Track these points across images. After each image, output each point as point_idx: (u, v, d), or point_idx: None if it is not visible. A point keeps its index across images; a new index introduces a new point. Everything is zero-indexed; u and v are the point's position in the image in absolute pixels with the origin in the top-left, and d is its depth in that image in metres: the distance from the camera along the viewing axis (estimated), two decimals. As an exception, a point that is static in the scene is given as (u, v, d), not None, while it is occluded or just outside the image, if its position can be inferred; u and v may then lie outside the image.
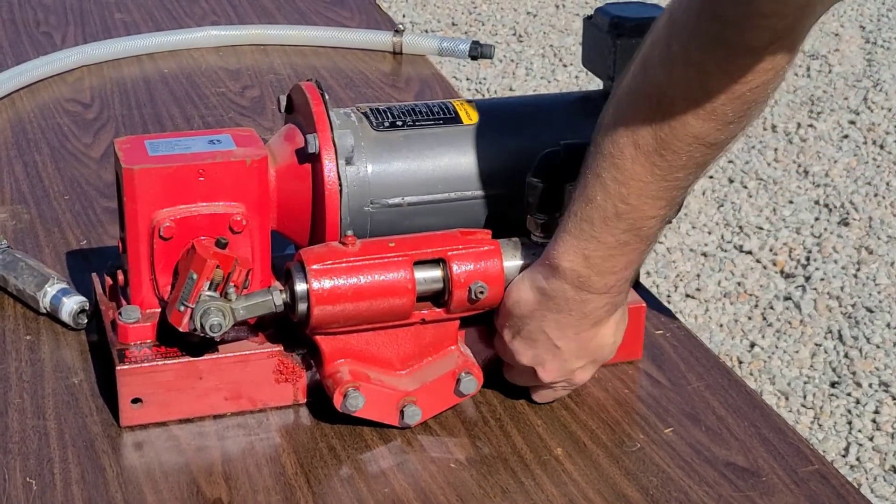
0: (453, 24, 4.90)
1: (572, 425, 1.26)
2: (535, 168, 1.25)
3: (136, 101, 1.99)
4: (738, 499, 1.16)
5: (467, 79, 4.40)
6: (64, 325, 1.38)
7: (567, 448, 1.23)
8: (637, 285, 1.46)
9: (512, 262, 1.24)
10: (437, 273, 1.23)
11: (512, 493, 1.17)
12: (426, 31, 4.77)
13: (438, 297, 1.24)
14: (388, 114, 1.32)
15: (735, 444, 1.24)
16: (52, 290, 1.38)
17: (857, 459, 2.61)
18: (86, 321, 1.37)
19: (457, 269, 1.22)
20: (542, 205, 1.24)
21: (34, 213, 1.64)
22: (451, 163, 1.31)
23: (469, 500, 1.16)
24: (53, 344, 1.36)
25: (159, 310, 1.26)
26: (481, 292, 1.22)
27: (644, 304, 1.35)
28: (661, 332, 1.42)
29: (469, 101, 1.35)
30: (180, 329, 1.20)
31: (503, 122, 1.33)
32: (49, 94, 2.01)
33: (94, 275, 1.38)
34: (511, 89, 4.33)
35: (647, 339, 1.37)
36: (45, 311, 1.39)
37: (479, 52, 2.14)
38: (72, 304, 1.37)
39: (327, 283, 1.19)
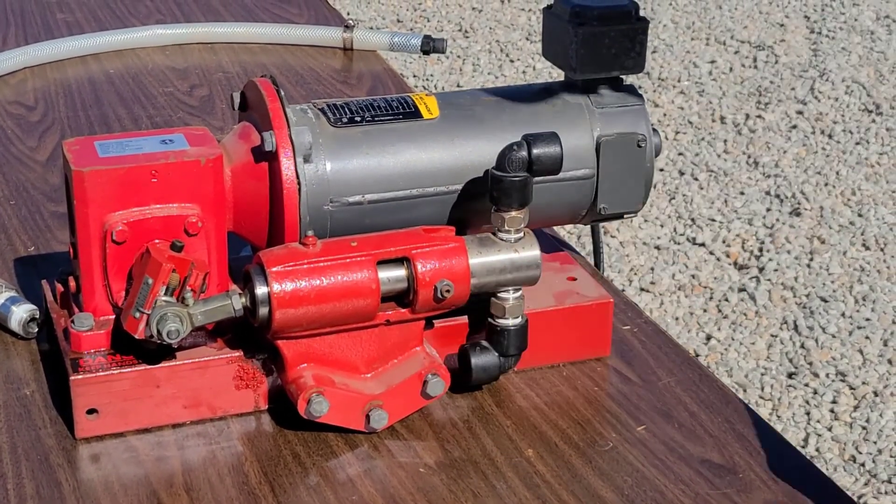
0: (398, 21, 4.87)
1: (542, 425, 1.23)
2: (498, 161, 1.22)
3: (81, 102, 1.94)
4: (715, 497, 1.14)
5: (414, 76, 4.36)
6: (13, 334, 1.33)
7: (538, 449, 1.20)
8: (602, 280, 1.43)
9: (478, 258, 1.21)
10: (401, 272, 1.19)
11: (483, 496, 1.14)
12: (371, 29, 4.73)
13: (403, 297, 1.20)
14: (346, 109, 1.28)
15: (709, 441, 1.21)
16: (0, 298, 1.34)
17: (817, 450, 2.60)
18: (36, 330, 1.33)
19: (421, 267, 1.18)
20: (507, 199, 1.21)
21: (-21, 219, 1.59)
22: (413, 159, 1.27)
23: (440, 505, 1.12)
24: (3, 354, 1.31)
25: (113, 317, 1.21)
26: (447, 291, 1.19)
27: (612, 300, 1.33)
28: (627, 327, 1.39)
29: (428, 95, 1.32)
30: (136, 336, 1.16)
31: (464, 116, 1.30)
32: (-9, 96, 1.96)
33: (43, 282, 1.33)
34: (458, 85, 4.30)
35: (614, 335, 1.35)
36: (-7, 320, 1.34)
37: (431, 46, 2.11)
38: (21, 313, 1.32)
39: (289, 286, 1.15)
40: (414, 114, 1.29)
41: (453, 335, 1.27)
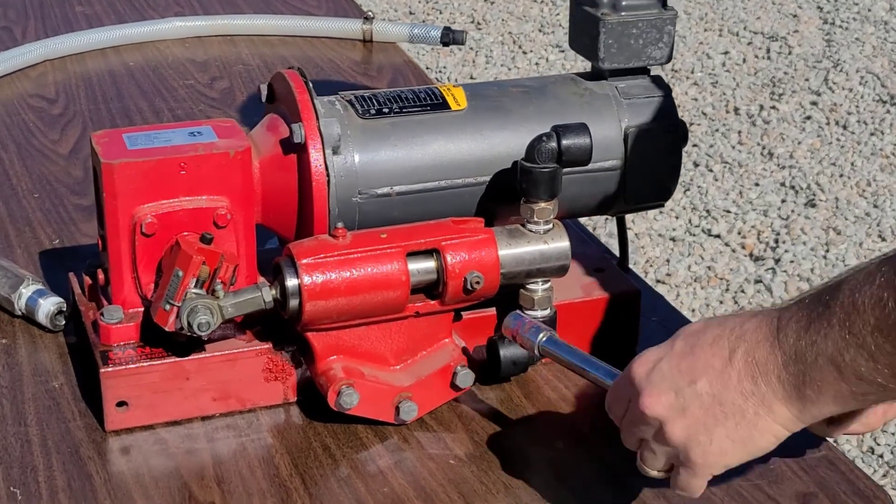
0: (410, 13, 4.86)
1: (572, 417, 1.23)
2: (527, 153, 1.22)
3: (102, 95, 1.94)
4: (746, 488, 1.13)
5: (427, 68, 4.36)
6: (41, 327, 1.33)
7: (568, 440, 1.19)
8: (627, 271, 1.43)
9: (507, 250, 1.21)
10: (430, 264, 1.19)
11: (514, 488, 1.13)
12: (384, 21, 4.72)
13: (432, 289, 1.20)
14: (374, 101, 1.28)
15: (739, 432, 1.21)
16: (27, 291, 1.34)
17: (835, 442, 2.59)
18: (63, 322, 1.33)
19: (451, 259, 1.18)
20: (536, 190, 1.21)
21: (3, 212, 1.58)
22: (441, 150, 1.27)
23: (472, 497, 1.12)
24: (31, 347, 1.31)
25: (142, 309, 1.21)
26: (477, 282, 1.18)
27: (639, 291, 1.32)
28: (655, 318, 1.39)
29: (456, 86, 1.32)
30: (166, 328, 1.16)
31: (492, 107, 1.29)
32: (12, 90, 1.95)
33: (71, 274, 1.33)
34: (472, 77, 4.29)
35: (640, 326, 1.34)
36: (20, 313, 1.34)
37: (450, 38, 2.10)
38: (48, 306, 1.32)
39: (319, 278, 1.15)
40: (442, 105, 1.29)
41: (482, 327, 1.27)
